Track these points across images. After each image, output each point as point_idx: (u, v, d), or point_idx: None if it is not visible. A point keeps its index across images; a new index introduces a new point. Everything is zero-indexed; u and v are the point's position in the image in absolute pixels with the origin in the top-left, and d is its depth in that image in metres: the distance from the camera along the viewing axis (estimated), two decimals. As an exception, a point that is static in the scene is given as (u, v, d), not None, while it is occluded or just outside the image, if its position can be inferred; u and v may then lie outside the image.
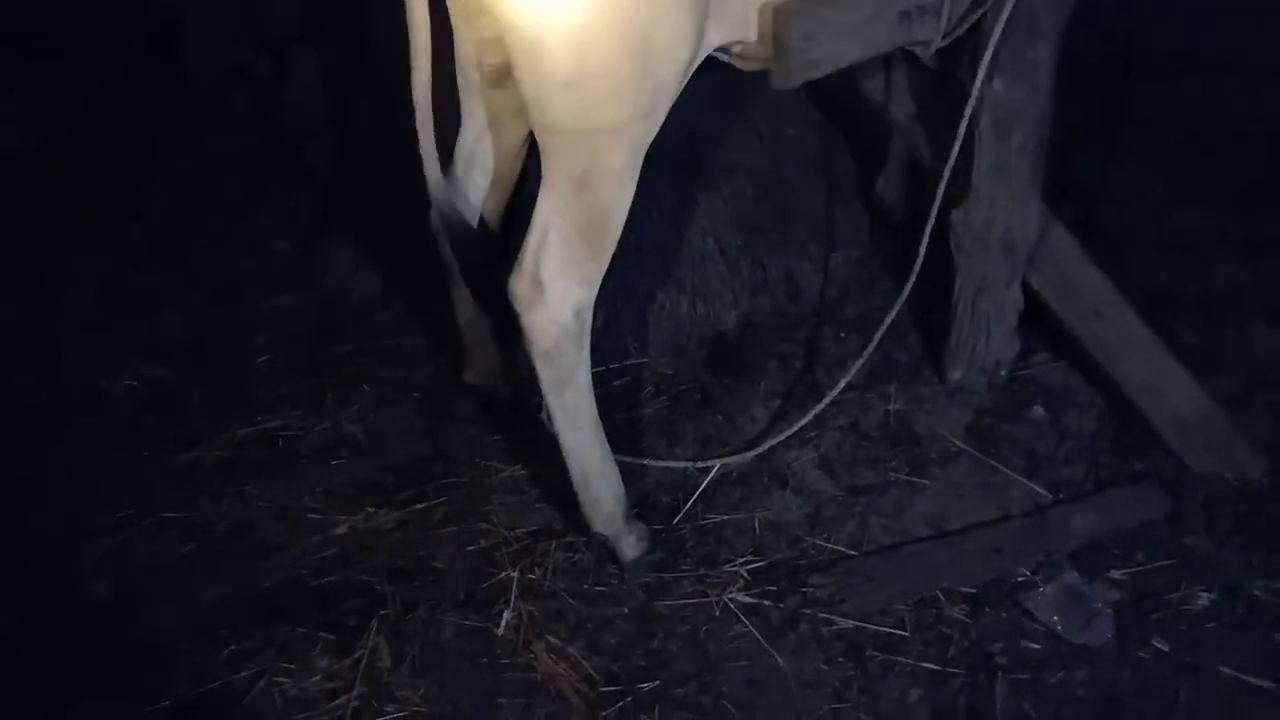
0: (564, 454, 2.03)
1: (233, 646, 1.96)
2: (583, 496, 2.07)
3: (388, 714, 1.85)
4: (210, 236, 2.90)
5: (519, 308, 1.89)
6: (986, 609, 1.98)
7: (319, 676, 1.91)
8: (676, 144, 2.53)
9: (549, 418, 2.03)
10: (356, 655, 1.93)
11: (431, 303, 2.61)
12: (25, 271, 2.82)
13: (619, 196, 1.84)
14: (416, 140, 2.00)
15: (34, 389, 2.51)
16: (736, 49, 1.98)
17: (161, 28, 3.30)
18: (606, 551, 2.09)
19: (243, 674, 1.91)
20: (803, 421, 2.24)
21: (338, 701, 1.87)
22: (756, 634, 1.96)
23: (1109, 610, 1.94)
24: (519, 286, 1.88)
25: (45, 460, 2.33)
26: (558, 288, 1.86)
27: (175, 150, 3.14)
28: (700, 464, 2.25)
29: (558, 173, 1.82)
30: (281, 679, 1.90)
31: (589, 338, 1.94)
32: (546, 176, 1.84)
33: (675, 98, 1.85)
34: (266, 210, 2.96)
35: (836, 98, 2.66)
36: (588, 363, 1.96)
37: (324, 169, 2.99)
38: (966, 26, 2.09)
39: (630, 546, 2.09)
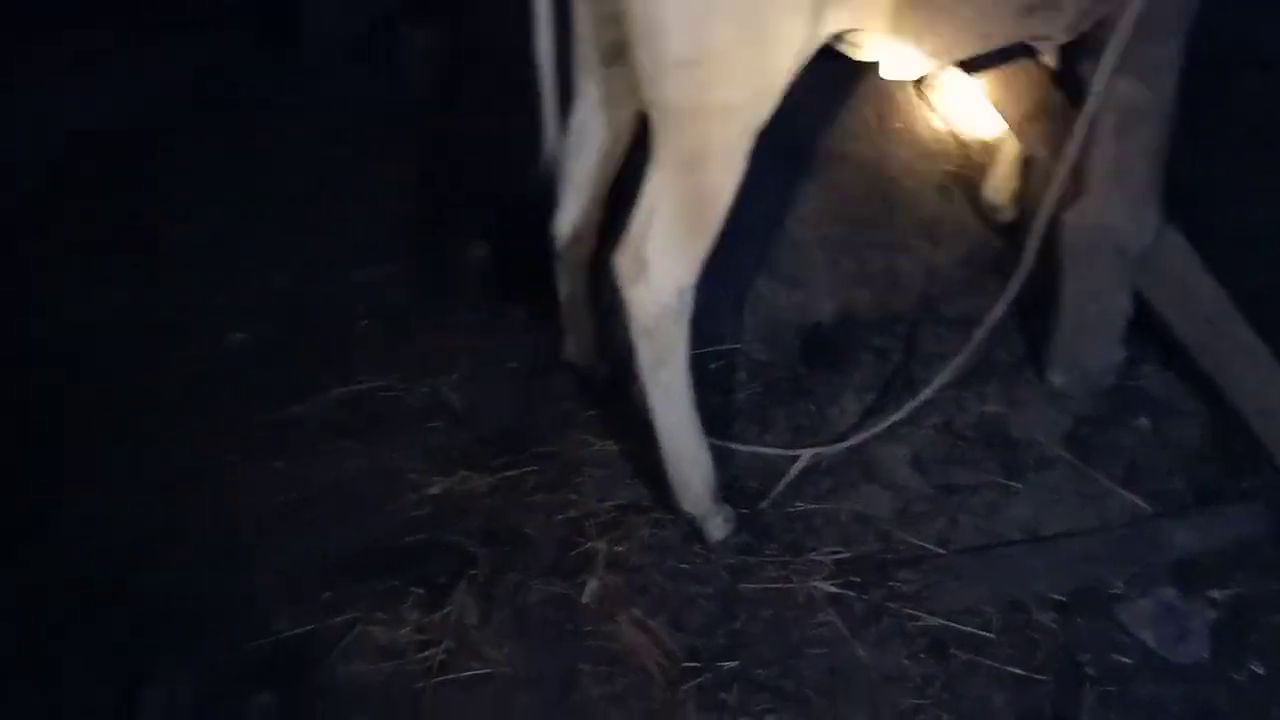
0: (656, 432, 2.05)
1: (328, 594, 2.03)
2: (673, 475, 2.08)
3: (472, 670, 1.90)
4: (316, 205, 2.97)
5: (621, 283, 1.92)
6: (1077, 618, 1.95)
7: (409, 629, 1.97)
8: (782, 131, 2.52)
9: (643, 396, 2.05)
10: (445, 612, 1.98)
11: (531, 278, 2.66)
12: (139, 237, 2.92)
13: (726, 179, 1.85)
14: (523, 117, 2.04)
15: (147, 346, 2.61)
16: (852, 37, 1.97)
17: (278, 2, 3.39)
18: (693, 531, 2.11)
19: (336, 620, 1.98)
20: (897, 416, 2.22)
21: (426, 654, 1.92)
22: (839, 623, 1.96)
23: (1205, 628, 1.89)
24: (623, 262, 1.90)
25: (157, 413, 2.43)
26: (661, 266, 1.88)
27: (286, 121, 3.21)
28: (791, 452, 2.25)
29: (667, 152, 1.84)
30: (373, 628, 1.97)
31: (689, 318, 1.95)
32: (656, 155, 1.85)
33: (788, 83, 1.84)
34: (372, 181, 3.02)
35: (947, 91, 2.62)
36: (686, 343, 1.97)
37: (430, 143, 3.04)
38: (1091, 22, 2.05)
39: (717, 528, 2.10)
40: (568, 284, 2.33)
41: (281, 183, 3.01)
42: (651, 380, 1.99)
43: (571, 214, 2.23)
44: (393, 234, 2.87)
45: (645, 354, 1.96)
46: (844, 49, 2.00)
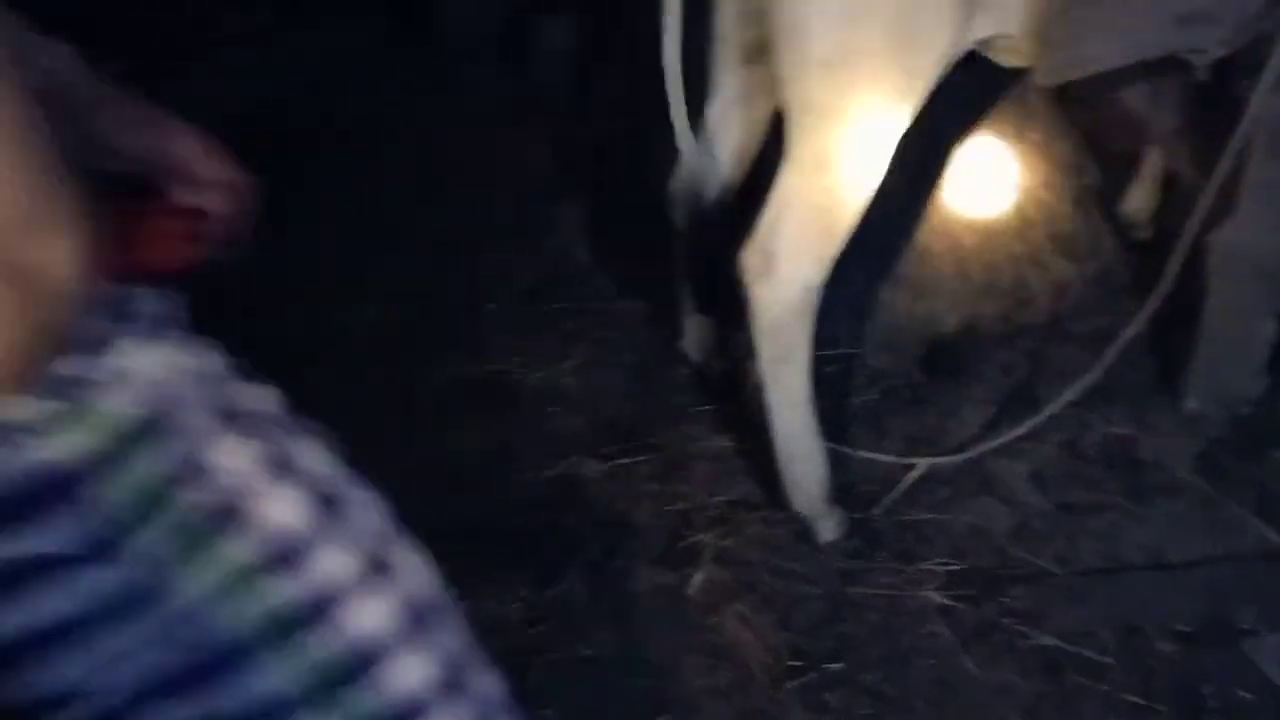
0: (772, 430, 2.05)
1: (442, 566, 2.07)
2: (786, 474, 2.08)
3: (579, 651, 1.93)
4: (452, 189, 3.06)
5: (747, 279, 1.91)
6: (1200, 649, 1.88)
7: (518, 605, 2.01)
8: (916, 138, 2.51)
9: (761, 393, 2.04)
10: (554, 591, 2.01)
11: (653, 271, 2.69)
12: (279, 213, 3.04)
13: (862, 181, 1.84)
14: (657, 111, 2.06)
15: (285, 319, 2.72)
16: (999, 43, 1.94)
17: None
18: (803, 531, 2.10)
19: (449, 591, 2.03)
20: (1019, 430, 2.17)
21: (534, 630, 1.96)
22: (949, 635, 1.93)
23: (1341, 671, 1.81)
24: (750, 259, 1.90)
25: (292, 384, 2.52)
26: (789, 264, 1.87)
27: (426, 107, 3.32)
28: (906, 460, 2.22)
29: (802, 152, 1.82)
30: (484, 601, 2.00)
31: (813, 319, 1.95)
32: (790, 154, 1.85)
33: (931, 88, 1.82)
34: (505, 168, 3.09)
35: (1090, 103, 2.56)
36: (809, 343, 1.96)
37: (564, 133, 3.11)
38: (1249, 37, 1.98)
39: (827, 530, 2.09)
40: (691, 277, 2.35)
41: (419, 165, 3.11)
42: (771, 378, 1.99)
43: (698, 207, 2.25)
44: (522, 220, 2.93)
45: (767, 351, 1.96)
46: (990, 55, 1.98)
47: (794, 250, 1.86)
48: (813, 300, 1.92)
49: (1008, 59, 1.98)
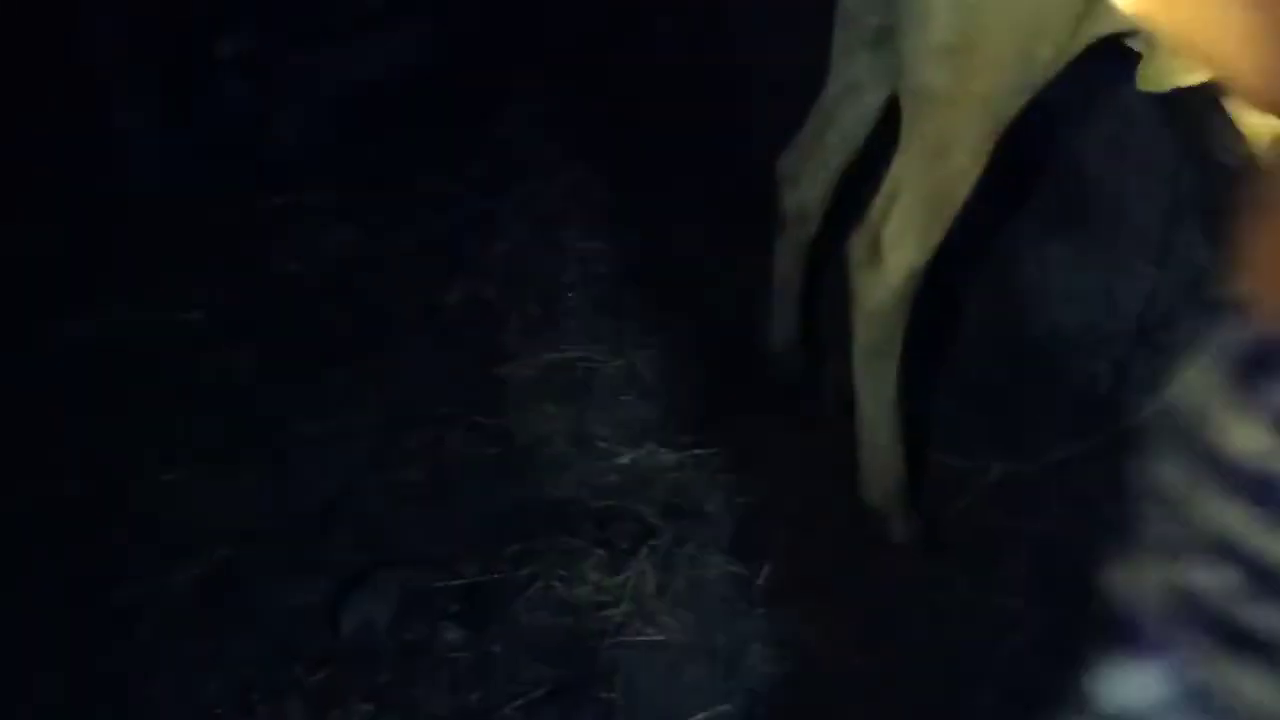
0: (858, 422, 2.08)
1: (517, 546, 2.15)
2: (866, 469, 2.11)
3: (647, 635, 1.97)
4: (541, 176, 3.12)
5: (853, 266, 1.96)
6: None
7: (589, 588, 2.06)
8: (1014, 139, 2.48)
9: (852, 383, 2.06)
10: (625, 576, 2.06)
11: (740, 264, 2.71)
12: (374, 191, 3.15)
13: (972, 168, 1.87)
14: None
15: (378, 291, 2.82)
16: (1126, 39, 1.91)
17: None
18: (876, 532, 2.12)
19: (523, 571, 2.10)
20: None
21: (604, 613, 2.01)
22: (1020, 642, 1.92)
23: None
24: (857, 247, 1.95)
25: (380, 355, 2.62)
26: (895, 251, 1.91)
27: (520, 94, 3.38)
28: (983, 465, 2.22)
29: (916, 138, 1.87)
30: (556, 583, 2.07)
31: (910, 310, 1.97)
32: (904, 142, 1.89)
33: (1050, 78, 1.83)
34: (594, 155, 3.14)
35: (1197, 110, 2.50)
36: (903, 337, 1.99)
37: (656, 123, 3.13)
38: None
39: (900, 530, 2.11)
40: (785, 263, 2.37)
41: (511, 150, 3.18)
42: (865, 368, 2.02)
43: (805, 192, 2.27)
44: (606, 208, 2.98)
45: (864, 339, 1.99)
46: (1127, 44, 1.95)
47: (901, 237, 1.90)
48: (914, 289, 1.95)
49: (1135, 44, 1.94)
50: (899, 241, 1.89)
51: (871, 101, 2.17)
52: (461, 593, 2.08)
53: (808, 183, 2.26)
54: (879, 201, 1.91)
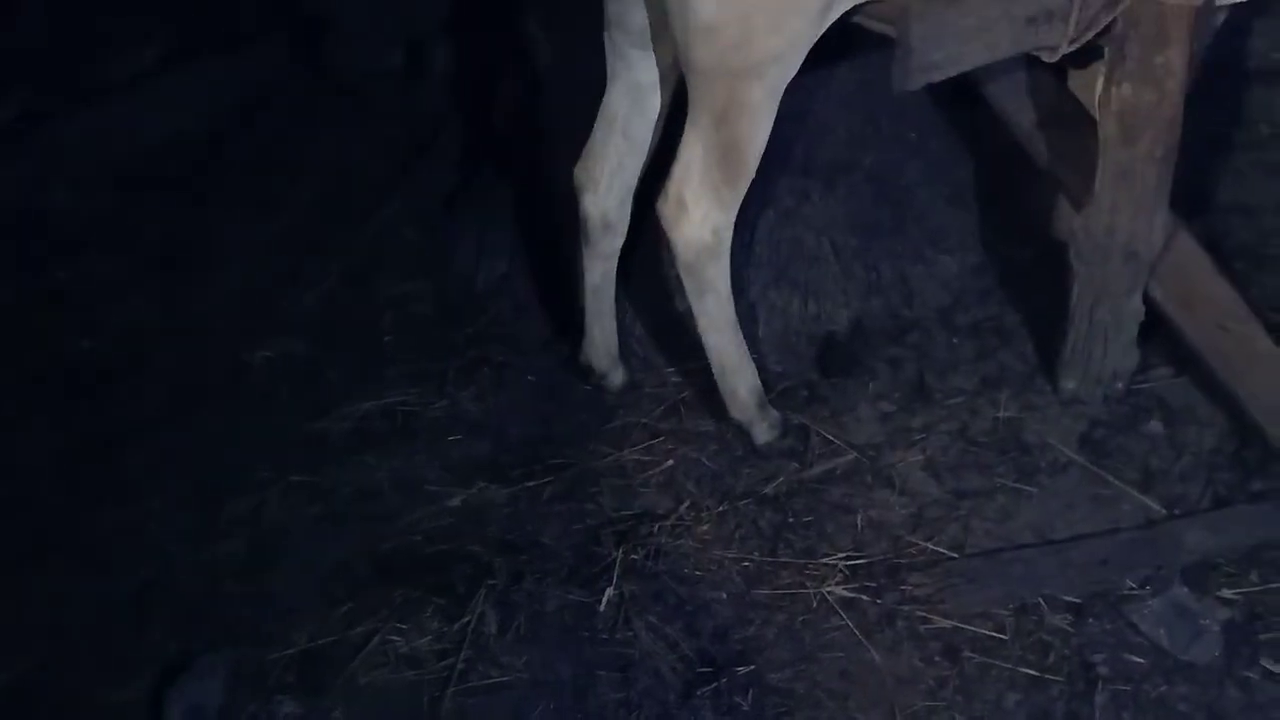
0: (706, 350, 2.28)
1: (350, 604, 2.08)
2: (722, 387, 2.31)
3: (492, 678, 1.94)
4: (346, 222, 3.05)
5: (664, 225, 2.14)
6: (1090, 619, 1.96)
7: (429, 638, 2.01)
8: (794, 142, 2.57)
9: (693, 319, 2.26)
10: (464, 620, 2.02)
11: (550, 292, 2.72)
12: (175, 249, 3.02)
13: (755, 132, 2.04)
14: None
15: (179, 358, 2.69)
16: (869, 8, 2.04)
17: (308, 24, 3.48)
18: (742, 435, 2.31)
19: (358, 629, 2.03)
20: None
21: (445, 662, 1.96)
22: (853, 627, 1.98)
23: (1217, 628, 1.89)
24: (665, 207, 2.13)
25: (187, 424, 2.50)
26: (698, 210, 2.10)
27: (317, 141, 3.30)
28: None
29: (700, 109, 2.04)
30: (394, 638, 2.01)
31: (728, 254, 2.17)
32: (691, 113, 2.06)
33: (811, 44, 2.01)
34: (398, 199, 3.09)
35: (959, 100, 2.65)
36: (726, 274, 2.19)
37: (453, 161, 3.11)
38: (1095, 31, 2.07)
39: (763, 431, 2.31)
40: (595, 275, 2.40)
41: (312, 199, 3.10)
42: (698, 307, 2.22)
43: (603, 199, 2.32)
44: (417, 250, 2.93)
45: (689, 285, 2.20)
46: (865, 23, 2.08)
47: (701, 198, 2.09)
48: (725, 238, 2.15)
49: (878, 26, 2.06)
50: (699, 201, 2.08)
51: (653, 101, 2.25)
52: (295, 661, 2.00)
53: (605, 190, 2.32)
54: (677, 167, 2.09)
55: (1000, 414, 2.36)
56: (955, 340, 2.54)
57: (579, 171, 2.33)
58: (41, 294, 2.88)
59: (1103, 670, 1.88)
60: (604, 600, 2.06)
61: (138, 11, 3.55)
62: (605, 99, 2.28)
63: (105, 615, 2.11)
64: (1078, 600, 1.99)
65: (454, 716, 1.89)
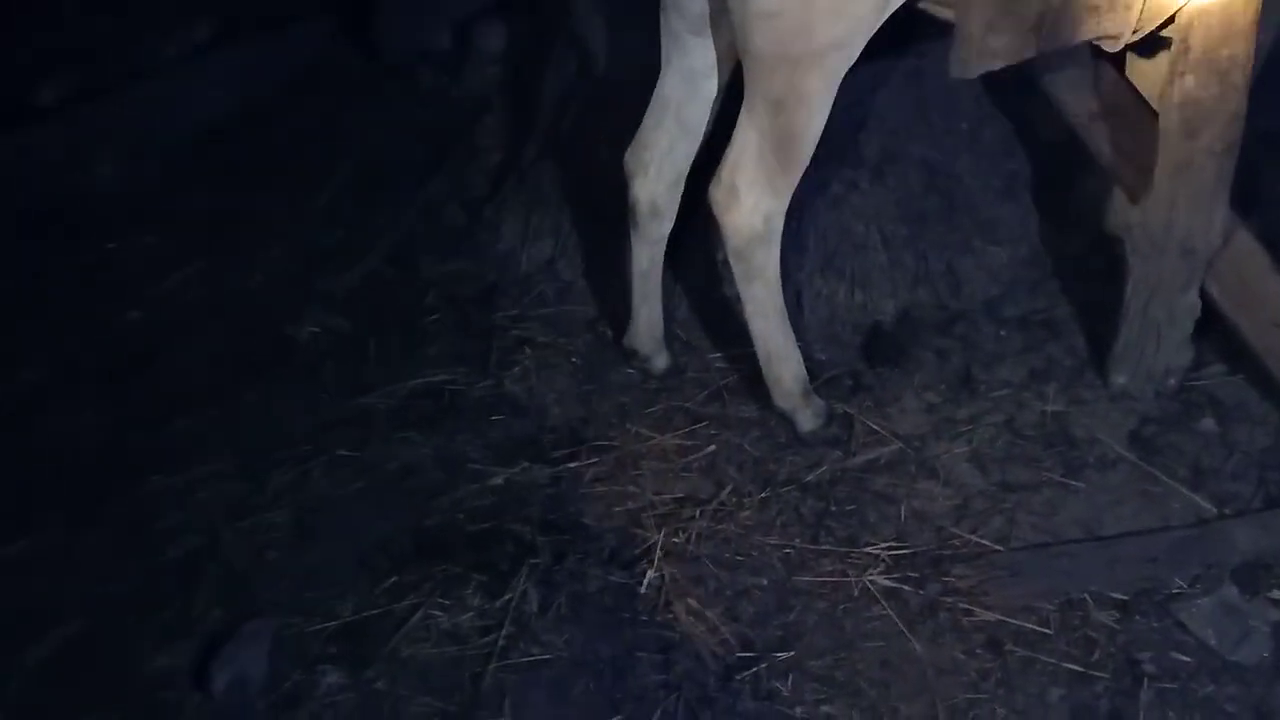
0: (752, 336, 2.27)
1: (394, 578, 2.09)
2: (767, 374, 2.30)
3: (533, 655, 1.94)
4: (391, 202, 3.06)
5: (716, 211, 2.12)
6: (1137, 616, 1.94)
7: (471, 614, 2.02)
8: (845, 131, 2.55)
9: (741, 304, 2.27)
10: (506, 598, 2.03)
11: (595, 275, 2.71)
12: (221, 224, 3.04)
13: (811, 120, 2.02)
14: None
15: (227, 334, 2.71)
16: None
17: (356, 5, 3.49)
18: (786, 423, 2.31)
19: (402, 604, 2.04)
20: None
21: (487, 639, 1.97)
22: (894, 617, 1.97)
23: (1266, 628, 1.87)
24: (717, 193, 2.11)
25: (235, 399, 2.52)
26: (750, 196, 2.08)
27: (363, 121, 3.31)
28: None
29: (756, 95, 2.02)
30: (436, 613, 2.02)
31: (778, 242, 2.15)
32: (747, 99, 2.04)
33: (873, 31, 1.98)
34: (443, 179, 3.10)
35: (1013, 90, 2.61)
36: (776, 262, 2.18)
37: (499, 141, 3.11)
38: (1159, 21, 2.04)
39: (807, 419, 2.30)
40: (642, 259, 2.39)
41: (358, 178, 3.11)
42: (745, 293, 2.23)
43: (653, 185, 2.30)
44: (461, 230, 2.93)
45: (738, 271, 2.19)
46: (928, 9, 2.04)
47: (754, 184, 2.08)
48: (775, 226, 2.13)
49: (940, 11, 2.03)
50: (752, 187, 2.07)
51: (707, 88, 2.23)
52: (338, 633, 2.01)
53: (655, 175, 2.30)
54: (730, 153, 2.07)
55: (1048, 407, 2.33)
56: (1003, 332, 2.51)
57: (629, 157, 2.32)
58: (91, 267, 2.92)
59: (1149, 668, 1.86)
60: (645, 582, 2.06)
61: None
62: (659, 84, 2.26)
63: (151, 584, 2.13)
64: (1125, 597, 1.97)
65: (495, 692, 1.90)
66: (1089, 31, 2.04)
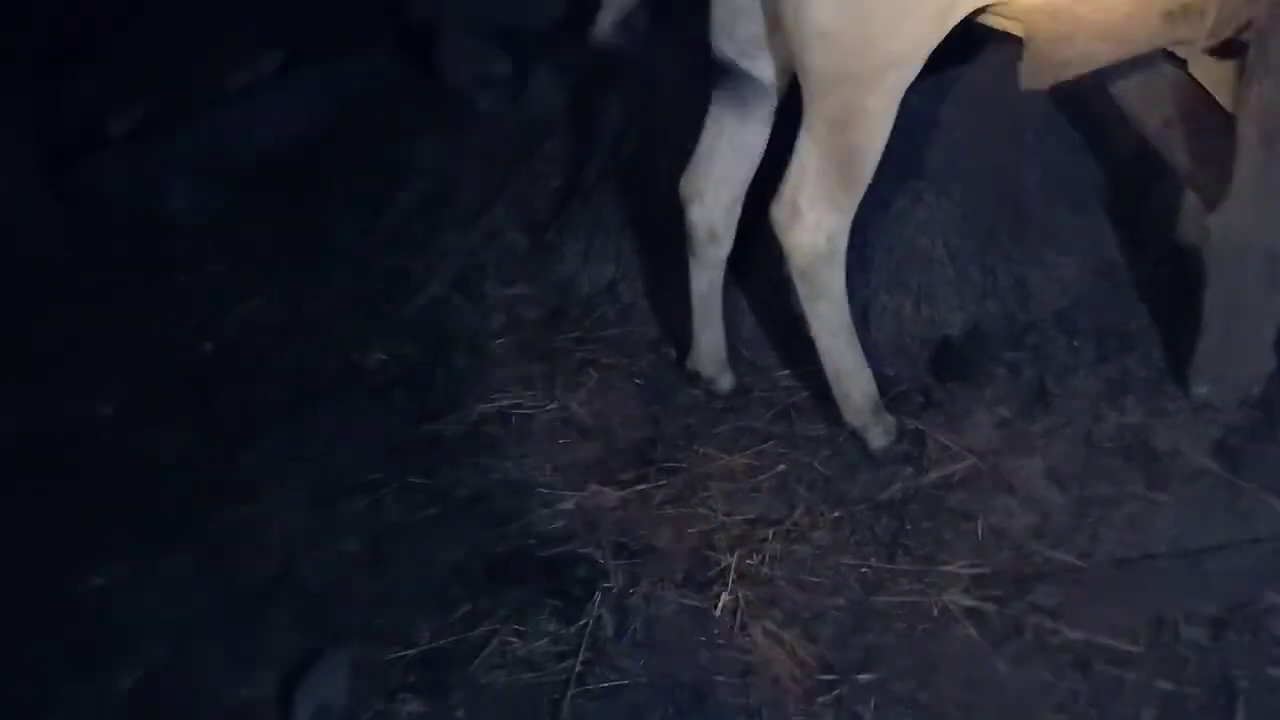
0: (820, 354, 2.25)
1: (468, 606, 2.09)
2: (836, 391, 2.28)
3: (610, 681, 1.93)
4: (454, 226, 3.09)
5: (778, 231, 2.10)
6: (1230, 633, 1.88)
7: (546, 640, 2.01)
8: (911, 144, 2.52)
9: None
10: (581, 623, 2.02)
11: (656, 296, 2.71)
12: (289, 251, 3.09)
13: (872, 138, 2.00)
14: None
15: (295, 360, 2.75)
16: (997, 7, 1.98)
17: (418, 31, 3.54)
18: (857, 441, 2.28)
19: (477, 631, 2.04)
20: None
21: (563, 665, 1.96)
22: (977, 637, 1.93)
23: (1371, 646, 1.81)
24: (779, 212, 2.09)
25: (304, 425, 2.55)
26: (813, 215, 2.06)
27: (425, 146, 3.35)
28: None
29: (816, 116, 2.00)
30: (511, 640, 2.02)
31: (843, 259, 2.14)
32: (806, 118, 2.02)
33: (933, 46, 1.94)
34: (505, 204, 3.12)
35: (1082, 100, 2.57)
36: (842, 280, 2.16)
37: (560, 166, 3.13)
38: (1235, 26, 2.00)
39: (877, 436, 2.27)
40: (702, 283, 2.38)
41: (421, 203, 3.14)
42: (811, 312, 2.20)
43: (710, 209, 2.29)
44: (524, 254, 2.95)
45: (803, 291, 2.18)
46: (991, 24, 2.01)
47: (816, 203, 2.05)
48: (839, 244, 2.10)
49: (1006, 25, 2.01)
50: (814, 207, 2.05)
51: (761, 111, 2.21)
52: (417, 661, 2.02)
53: (711, 201, 2.30)
54: (791, 172, 2.05)
55: (1126, 420, 2.28)
56: (1076, 344, 2.47)
57: (684, 183, 2.31)
58: (165, 296, 2.97)
59: (1244, 685, 1.81)
60: (719, 605, 2.04)
61: (255, 21, 3.65)
62: (710, 109, 2.25)
63: (230, 612, 2.15)
64: (1216, 613, 1.91)
65: (574, 717, 1.89)
66: (1163, 38, 2.00)
